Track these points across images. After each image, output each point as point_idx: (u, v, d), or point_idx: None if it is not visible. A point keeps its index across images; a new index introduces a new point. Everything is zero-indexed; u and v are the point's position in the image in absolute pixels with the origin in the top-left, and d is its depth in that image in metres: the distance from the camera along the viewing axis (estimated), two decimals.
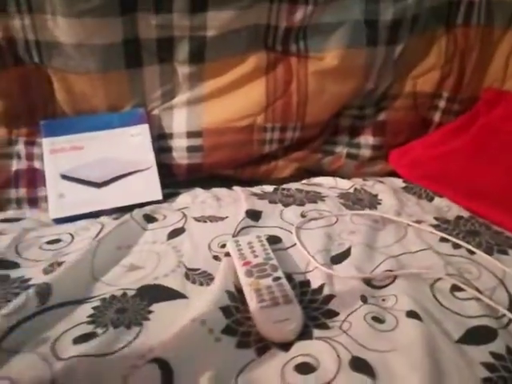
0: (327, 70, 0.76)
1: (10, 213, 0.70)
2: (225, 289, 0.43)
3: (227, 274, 0.46)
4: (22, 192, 0.73)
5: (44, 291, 0.42)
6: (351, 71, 0.77)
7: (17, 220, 0.67)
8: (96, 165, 0.71)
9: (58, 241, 0.58)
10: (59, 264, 0.50)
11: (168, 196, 0.72)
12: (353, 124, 0.85)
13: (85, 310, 0.42)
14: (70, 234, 0.59)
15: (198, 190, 0.75)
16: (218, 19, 0.68)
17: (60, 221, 0.67)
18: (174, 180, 0.78)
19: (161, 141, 0.77)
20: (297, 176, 0.84)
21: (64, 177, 0.69)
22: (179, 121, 0.77)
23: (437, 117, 0.83)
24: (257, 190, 0.74)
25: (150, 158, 0.73)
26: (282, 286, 0.43)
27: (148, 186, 0.71)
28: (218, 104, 0.76)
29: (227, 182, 0.80)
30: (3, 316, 0.39)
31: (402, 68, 0.79)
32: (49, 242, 0.57)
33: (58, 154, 0.71)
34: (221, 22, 0.69)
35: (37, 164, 0.74)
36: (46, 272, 0.49)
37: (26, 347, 0.37)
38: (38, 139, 0.74)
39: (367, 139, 0.84)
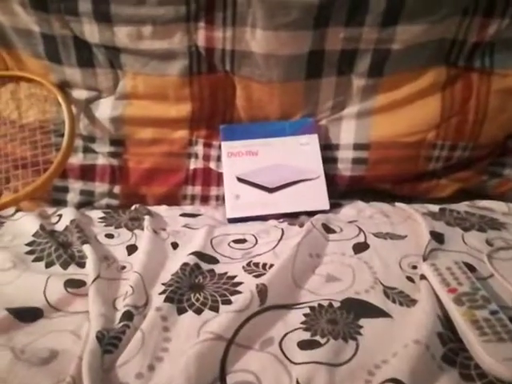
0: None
1: (188, 208, 0.77)
2: (435, 314, 0.43)
3: (431, 298, 0.45)
4: (197, 190, 0.80)
5: (263, 292, 0.45)
6: None
7: (195, 216, 0.73)
8: (269, 170, 0.74)
9: (243, 241, 0.61)
10: (256, 264, 0.54)
11: (330, 206, 0.73)
12: None
13: (297, 316, 0.44)
14: (254, 236, 0.63)
15: (360, 203, 0.75)
16: (407, 33, 0.68)
17: (234, 220, 0.71)
18: (333, 190, 0.79)
19: (326, 151, 0.78)
20: (456, 197, 0.81)
21: (240, 179, 0.74)
22: (347, 132, 0.77)
23: None
24: (421, 208, 0.72)
25: (318, 167, 0.74)
26: (503, 321, 0.41)
27: (316, 195, 0.73)
28: (389, 118, 0.75)
29: (382, 196, 0.79)
30: (235, 311, 0.42)
31: None
32: (235, 241, 0.61)
33: (235, 158, 0.76)
34: (409, 36, 0.68)
35: (212, 165, 0.80)
36: (248, 271, 0.52)
37: (255, 344, 0.41)
38: (214, 142, 0.80)
39: None
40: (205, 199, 0.81)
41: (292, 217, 0.70)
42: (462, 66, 0.72)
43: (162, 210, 0.75)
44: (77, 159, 0.78)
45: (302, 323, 0.44)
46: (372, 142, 0.76)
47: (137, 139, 0.78)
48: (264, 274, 0.51)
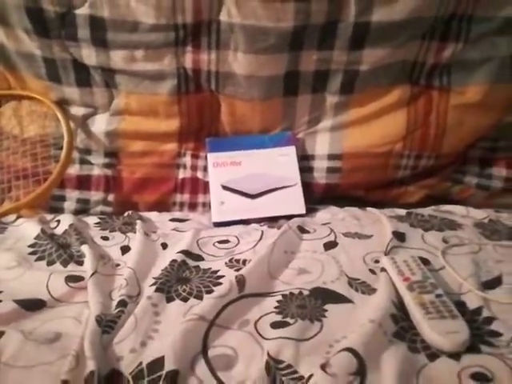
0: (468, 104, 0.79)
1: (178, 214, 0.83)
2: (390, 299, 0.50)
3: (388, 287, 0.52)
4: (186, 197, 0.87)
5: (241, 282, 0.52)
6: (493, 106, 0.80)
7: (184, 220, 0.79)
8: (251, 179, 0.81)
9: (227, 241, 0.68)
10: (237, 261, 0.61)
11: (307, 211, 0.80)
12: (484, 155, 0.87)
13: (271, 302, 0.51)
14: (236, 237, 0.69)
15: (334, 208, 0.82)
16: (372, 56, 0.76)
17: (219, 224, 0.78)
18: (310, 197, 0.86)
19: (303, 161, 0.85)
20: (424, 202, 0.88)
21: (224, 187, 0.81)
22: (322, 144, 0.85)
23: None
24: (390, 212, 0.79)
25: (296, 176, 0.82)
26: (446, 302, 0.48)
27: (293, 200, 0.80)
28: (360, 130, 0.83)
29: (356, 202, 0.86)
30: (216, 298, 0.49)
31: None
32: (220, 242, 0.68)
33: (220, 168, 0.83)
34: (375, 58, 0.76)
35: (199, 174, 0.87)
36: (229, 266, 0.59)
37: (234, 325, 0.47)
38: (201, 153, 0.87)
39: (500, 171, 0.86)
40: (193, 206, 0.87)
41: (272, 220, 0.77)
42: (423, 84, 0.81)
43: (152, 215, 0.81)
44: (74, 170, 0.85)
45: (275, 308, 0.50)
46: (345, 152, 0.84)
47: (129, 151, 0.85)
48: (240, 267, 0.57)
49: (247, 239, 0.68)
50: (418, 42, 0.77)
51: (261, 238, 0.67)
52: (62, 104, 0.83)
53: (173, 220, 0.79)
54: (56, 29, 0.74)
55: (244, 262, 0.60)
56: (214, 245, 0.67)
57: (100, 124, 0.84)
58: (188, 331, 0.44)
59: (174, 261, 0.59)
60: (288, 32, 0.74)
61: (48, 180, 0.76)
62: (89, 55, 0.77)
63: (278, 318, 0.48)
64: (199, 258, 0.63)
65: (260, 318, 0.48)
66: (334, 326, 0.47)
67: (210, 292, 0.53)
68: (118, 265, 0.61)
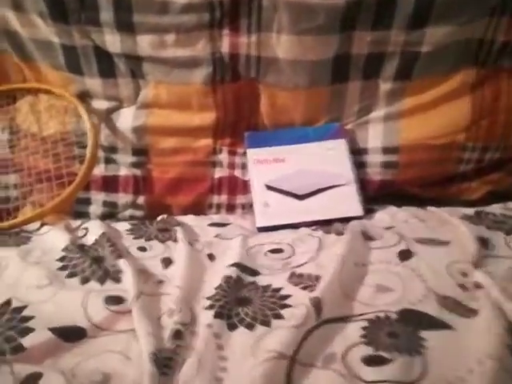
0: None
1: (216, 217, 0.75)
2: (501, 325, 0.41)
3: (493, 309, 0.43)
4: (223, 198, 0.78)
5: (318, 305, 0.44)
6: None
7: (224, 225, 0.71)
8: (297, 177, 0.73)
9: (280, 250, 0.60)
10: (299, 276, 0.52)
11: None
12: None
13: (355, 330, 0.43)
14: (289, 245, 0.61)
15: (393, 208, 0.73)
16: (435, 35, 0.67)
17: (264, 229, 0.70)
18: (362, 195, 0.77)
19: (354, 155, 0.77)
20: (484, 199, 0.79)
21: (268, 187, 0.72)
22: (375, 136, 0.76)
23: None
24: (454, 212, 0.70)
25: (348, 172, 0.73)
26: None
27: (348, 201, 0.71)
28: (417, 121, 0.74)
29: (409, 199, 0.78)
30: (295, 327, 0.40)
31: None
32: (272, 251, 0.60)
33: (262, 165, 0.74)
34: (437, 39, 0.67)
35: (237, 172, 0.78)
36: (294, 283, 0.50)
37: (318, 362, 0.39)
38: (239, 149, 0.78)
39: None
40: (231, 208, 0.79)
41: (324, 224, 0.68)
42: (490, 66, 0.71)
43: (189, 219, 0.73)
44: (99, 170, 0.76)
45: (361, 337, 0.42)
46: (401, 145, 0.75)
47: (160, 149, 0.76)
48: (311, 285, 0.49)
49: (302, 248, 0.60)
50: (486, 19, 0.67)
51: (320, 247, 0.59)
52: (84, 97, 0.75)
53: (212, 225, 0.71)
54: (75, 12, 0.66)
55: (309, 277, 0.51)
56: (265, 255, 0.59)
57: (126, 119, 0.75)
58: (268, 375, 0.36)
59: (228, 277, 0.51)
60: (339, 9, 0.64)
61: (73, 182, 0.67)
62: (113, 41, 0.68)
63: (369, 350, 0.40)
64: (254, 272, 0.54)
65: (347, 351, 0.40)
66: (439, 361, 0.39)
67: (278, 317, 0.45)
68: (161, 281, 0.53)
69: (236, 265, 0.54)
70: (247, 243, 0.61)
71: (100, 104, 0.75)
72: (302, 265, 0.55)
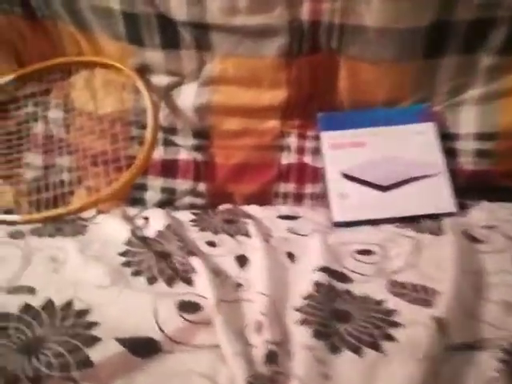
0: None
1: (284, 209, 0.67)
2: None
3: None
4: (291, 187, 0.70)
5: (442, 327, 0.36)
6: None
7: (294, 218, 0.63)
8: (380, 165, 0.64)
9: (369, 252, 0.52)
10: (402, 285, 0.44)
11: None
12: None
13: (490, 361, 0.34)
14: (378, 246, 0.53)
15: (487, 204, 0.63)
16: None
17: (341, 224, 0.62)
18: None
19: (443, 142, 0.67)
20: None
21: (346, 176, 0.64)
22: (467, 120, 0.65)
23: None
24: None
25: (438, 161, 0.63)
26: None
27: (438, 194, 0.62)
28: None
29: (503, 193, 0.67)
30: (417, 359, 0.33)
31: None
32: (359, 252, 0.52)
33: (339, 150, 0.65)
34: None
35: (307, 159, 0.70)
36: (397, 295, 0.42)
37: None
38: (309, 132, 0.70)
39: None
40: (298, 198, 0.71)
41: (409, 221, 0.59)
42: None
43: (255, 210, 0.65)
44: (157, 153, 0.70)
45: (497, 372, 0.34)
46: (499, 130, 0.64)
47: (223, 130, 0.69)
48: (424, 300, 0.41)
49: (395, 250, 0.52)
50: None
51: (416, 250, 0.50)
52: (143, 72, 0.68)
53: (281, 217, 0.63)
54: None
55: (415, 288, 0.43)
56: (353, 256, 0.51)
57: (187, 96, 0.68)
58: None
59: (317, 284, 0.43)
60: None
61: (132, 166, 0.61)
62: (179, 7, 0.60)
63: None
64: (345, 278, 0.46)
65: None
66: None
67: (388, 338, 0.37)
68: (239, 285, 0.46)
69: (323, 269, 0.47)
70: (327, 242, 0.54)
71: (160, 80, 0.68)
72: (399, 271, 0.47)
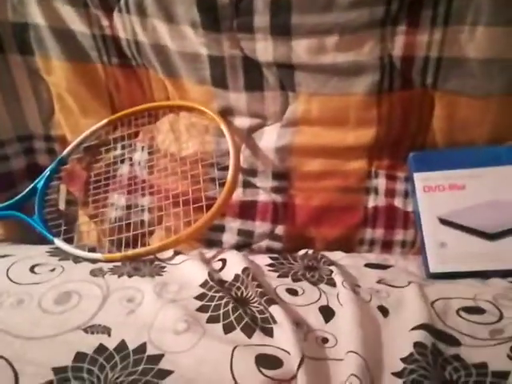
0: None
1: (372, 256, 0.61)
2: None
3: None
4: (379, 233, 0.64)
5: None
6: None
7: (385, 267, 0.57)
8: (484, 210, 0.56)
9: (480, 310, 0.44)
10: None
11: None
12: None
13: None
14: (491, 303, 0.44)
15: None
16: None
17: (439, 276, 0.54)
18: None
19: None
20: None
21: (443, 221, 0.57)
22: None
23: None
24: None
25: None
26: None
27: None
28: None
29: None
30: None
31: None
32: (466, 310, 0.44)
33: (434, 193, 0.59)
34: None
35: (397, 202, 0.64)
36: None
37: None
38: (399, 173, 0.64)
39: None
40: (387, 245, 0.64)
41: None
42: None
43: (339, 257, 0.60)
44: (236, 195, 0.68)
45: None
46: None
47: (304, 172, 0.66)
48: None
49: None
50: None
51: None
52: (226, 115, 0.68)
53: (369, 266, 0.57)
54: (228, 18, 0.59)
55: None
56: (459, 315, 0.43)
57: (269, 138, 0.66)
58: None
59: (420, 345, 0.37)
60: None
61: (213, 207, 0.60)
62: (265, 48, 0.60)
63: None
64: (452, 339, 0.39)
65: None
66: None
67: None
68: (325, 339, 0.41)
69: (424, 326, 0.40)
70: (426, 295, 0.47)
71: (242, 122, 0.68)
72: None
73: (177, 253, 0.60)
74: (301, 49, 0.58)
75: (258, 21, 0.58)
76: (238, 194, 0.69)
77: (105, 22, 0.66)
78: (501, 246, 0.54)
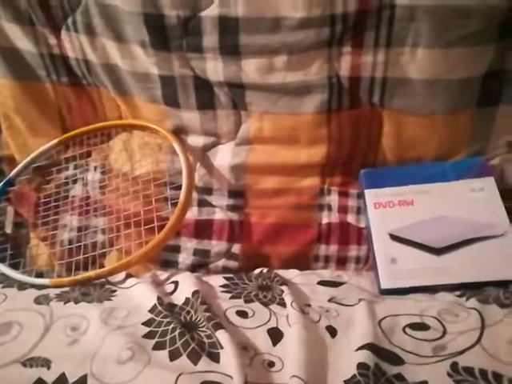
0: None
1: (325, 273, 0.61)
2: None
3: None
4: (333, 249, 0.65)
5: None
6: None
7: (338, 284, 0.57)
8: (432, 225, 0.57)
9: (424, 326, 0.44)
10: (469, 372, 0.36)
11: None
12: None
13: None
14: (436, 319, 0.45)
15: None
16: None
17: (389, 292, 0.55)
18: None
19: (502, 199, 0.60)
20: None
21: (394, 237, 0.58)
22: None
23: None
24: None
25: (502, 220, 0.56)
26: None
27: (505, 257, 0.54)
28: None
29: None
30: None
31: None
32: (412, 327, 0.44)
33: (385, 209, 0.60)
34: None
35: (350, 218, 0.65)
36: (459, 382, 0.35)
37: None
38: (351, 190, 0.65)
39: None
40: (342, 261, 0.65)
41: (467, 288, 0.52)
42: None
43: (293, 275, 0.60)
44: (191, 214, 0.68)
45: None
46: None
47: (259, 190, 0.66)
48: None
49: (456, 325, 0.44)
50: None
51: (484, 325, 0.42)
52: (179, 133, 0.67)
53: (322, 283, 0.57)
54: (177, 38, 0.59)
55: (485, 375, 0.35)
56: (405, 332, 0.44)
57: (224, 156, 0.66)
58: None
59: (362, 366, 0.37)
60: (499, 11, 0.50)
61: (165, 228, 0.59)
62: (214, 68, 0.60)
63: None
64: (395, 358, 0.39)
65: None
66: None
67: None
68: (271, 363, 0.40)
69: (369, 346, 0.40)
70: (375, 313, 0.47)
71: (196, 140, 0.67)
72: (462, 351, 0.39)
73: (128, 276, 0.59)
74: (250, 68, 0.59)
75: (207, 41, 0.58)
76: (194, 213, 0.68)
77: (52, 41, 0.65)
78: (447, 260, 0.55)
